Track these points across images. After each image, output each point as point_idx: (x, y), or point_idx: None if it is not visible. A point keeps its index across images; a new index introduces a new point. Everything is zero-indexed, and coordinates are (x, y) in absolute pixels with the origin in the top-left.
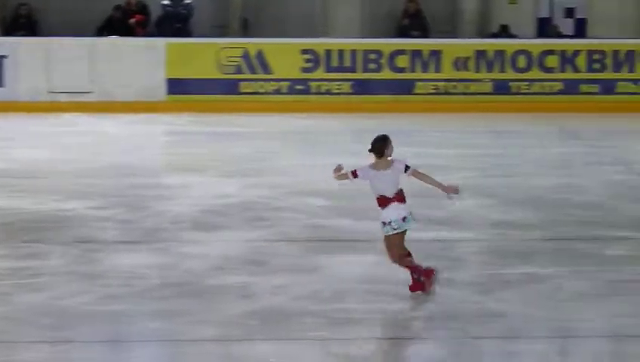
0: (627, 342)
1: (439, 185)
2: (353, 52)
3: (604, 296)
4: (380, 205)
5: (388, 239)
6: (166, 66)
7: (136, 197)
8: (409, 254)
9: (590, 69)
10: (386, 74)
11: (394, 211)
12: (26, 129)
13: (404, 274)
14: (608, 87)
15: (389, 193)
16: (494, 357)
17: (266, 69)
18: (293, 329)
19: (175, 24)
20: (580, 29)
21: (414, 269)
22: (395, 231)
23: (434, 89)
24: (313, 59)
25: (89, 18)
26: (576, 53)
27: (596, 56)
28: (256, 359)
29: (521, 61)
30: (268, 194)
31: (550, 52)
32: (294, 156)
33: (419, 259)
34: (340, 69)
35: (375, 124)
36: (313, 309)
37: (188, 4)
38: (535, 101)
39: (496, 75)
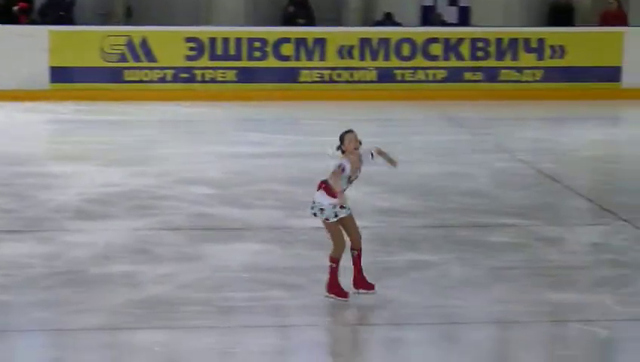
0: (510, 327)
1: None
2: (238, 40)
3: (488, 282)
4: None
5: None
6: (50, 54)
7: (20, 186)
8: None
9: (474, 57)
10: (271, 62)
11: None
12: None
13: (288, 262)
14: (492, 75)
15: None
16: (380, 344)
17: (150, 57)
18: (178, 318)
19: (59, 12)
20: (464, 17)
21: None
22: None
23: (319, 77)
24: (198, 47)
25: None
26: (460, 41)
27: (480, 45)
28: (142, 348)
29: (406, 49)
30: (153, 183)
31: (434, 40)
32: (179, 144)
33: (306, 247)
34: (225, 57)
35: (260, 113)
36: (198, 298)
37: None
38: (419, 89)
39: (381, 63)
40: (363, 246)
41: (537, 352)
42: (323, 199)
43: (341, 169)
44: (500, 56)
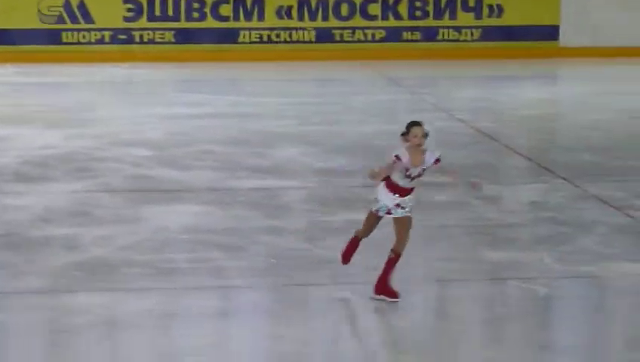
0: (450, 285)
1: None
2: (176, 1)
3: (428, 241)
4: None
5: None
6: None
7: None
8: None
9: (412, 17)
10: (210, 23)
11: None
12: None
13: (227, 224)
14: (430, 35)
15: None
16: (321, 304)
17: (88, 18)
18: (118, 280)
19: None
20: None
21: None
22: None
23: (257, 38)
24: (135, 8)
25: None
26: (398, 1)
27: (418, 4)
28: (82, 310)
29: (344, 9)
30: (91, 145)
31: (372, 0)
32: (118, 106)
33: (245, 208)
34: (163, 18)
35: (199, 74)
36: (138, 260)
37: None
38: (358, 49)
39: (320, 24)
40: (303, 207)
41: (476, 310)
42: (380, 191)
43: (396, 158)
44: (438, 15)
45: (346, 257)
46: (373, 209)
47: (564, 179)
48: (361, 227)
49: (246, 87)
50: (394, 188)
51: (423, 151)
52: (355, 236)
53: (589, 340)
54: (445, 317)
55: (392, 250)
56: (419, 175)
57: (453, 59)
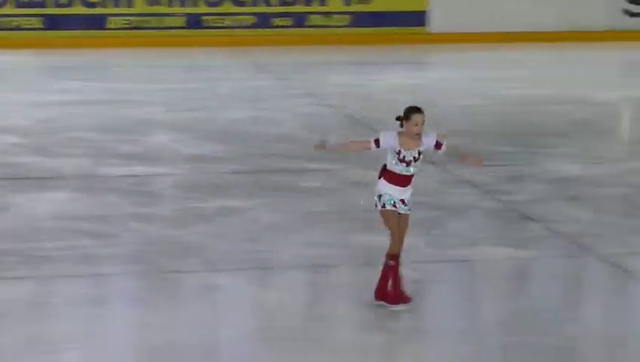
0: (322, 271)
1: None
2: None
3: (299, 227)
4: None
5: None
6: None
7: None
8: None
9: (282, 3)
10: (78, 9)
11: None
12: None
13: (98, 211)
14: (299, 21)
15: None
16: (194, 291)
17: None
18: None
19: None
20: None
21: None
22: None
23: (126, 24)
24: None
25: None
26: None
27: None
28: None
29: None
30: None
31: None
32: None
33: (115, 195)
34: (30, 4)
35: (68, 60)
36: (8, 248)
37: None
38: (228, 35)
39: (189, 10)
40: (173, 194)
41: (349, 294)
42: (382, 186)
43: (374, 143)
44: (308, 1)
45: (398, 295)
46: (380, 206)
47: (434, 163)
48: (388, 249)
49: (115, 74)
50: (394, 178)
51: (419, 136)
52: (391, 263)
53: (461, 324)
54: (321, 302)
55: (388, 254)
56: (415, 159)
57: (322, 45)
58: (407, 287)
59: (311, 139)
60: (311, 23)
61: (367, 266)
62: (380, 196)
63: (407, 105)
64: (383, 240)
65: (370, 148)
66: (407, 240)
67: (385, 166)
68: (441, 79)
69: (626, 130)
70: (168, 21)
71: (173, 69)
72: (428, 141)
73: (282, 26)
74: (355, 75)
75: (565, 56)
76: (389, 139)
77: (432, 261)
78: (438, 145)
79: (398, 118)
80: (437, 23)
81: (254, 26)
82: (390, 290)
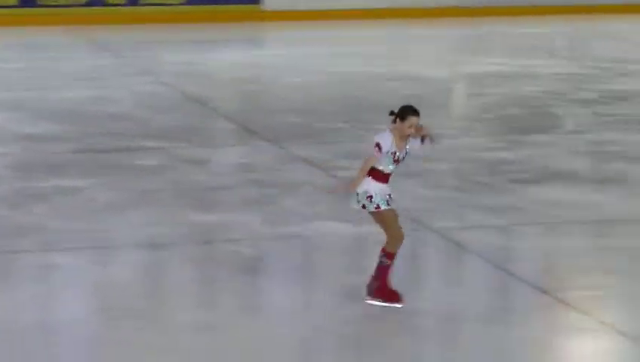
0: (160, 249)
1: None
2: None
3: (136, 205)
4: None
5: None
6: None
7: None
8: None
9: None
10: None
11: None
12: None
13: None
14: None
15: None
16: (31, 271)
17: None
18: None
19: None
20: None
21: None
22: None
23: None
24: None
25: None
26: None
27: None
28: None
29: None
30: None
31: None
32: None
33: None
34: None
35: None
36: None
37: None
38: (63, 14)
39: None
40: (8, 174)
41: (187, 272)
42: (370, 186)
43: (377, 149)
44: None
45: (393, 292)
46: (373, 208)
47: (270, 141)
48: (387, 246)
49: None
50: (381, 177)
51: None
52: (388, 263)
53: (298, 299)
54: (158, 281)
55: (385, 251)
56: (403, 158)
57: (158, 24)
58: (244, 264)
59: (148, 118)
60: (146, 1)
61: (206, 245)
62: (370, 197)
63: (404, 105)
64: (219, 218)
65: (378, 159)
66: (242, 218)
67: (373, 168)
68: (277, 56)
69: (457, 106)
70: (1, 0)
71: (8, 48)
72: (414, 142)
73: (117, 4)
74: (192, 53)
75: (398, 34)
76: (387, 142)
77: (267, 238)
78: (422, 141)
79: (391, 113)
80: (271, 0)
81: (89, 4)
82: (388, 289)
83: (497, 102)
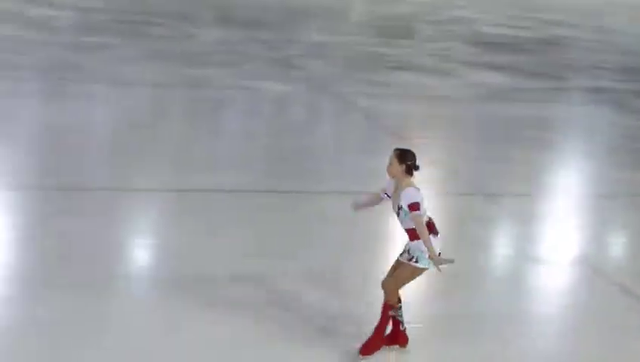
0: (161, 88)
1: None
2: None
3: (148, 59)
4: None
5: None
6: None
7: None
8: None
9: None
10: None
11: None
12: None
13: None
14: None
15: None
16: (79, 91)
17: None
18: None
19: None
20: None
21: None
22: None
23: None
24: None
25: None
26: None
27: None
28: None
29: None
30: None
31: None
32: None
33: None
34: None
35: None
36: None
37: None
38: None
39: None
40: (66, 30)
41: (177, 107)
42: (421, 246)
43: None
44: None
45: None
46: (420, 264)
47: (239, 24)
48: (389, 299)
49: None
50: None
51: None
52: (393, 310)
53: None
54: (156, 110)
55: (395, 307)
56: (397, 213)
57: None
58: (215, 106)
59: (163, 3)
60: None
61: (192, 88)
62: (422, 252)
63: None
64: (202, 73)
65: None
66: (219, 73)
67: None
68: None
69: (356, 15)
70: None
71: None
72: (405, 199)
73: None
74: None
75: None
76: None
77: (232, 88)
78: (410, 209)
79: (403, 163)
80: None
81: None
82: (387, 337)
83: (381, 16)
